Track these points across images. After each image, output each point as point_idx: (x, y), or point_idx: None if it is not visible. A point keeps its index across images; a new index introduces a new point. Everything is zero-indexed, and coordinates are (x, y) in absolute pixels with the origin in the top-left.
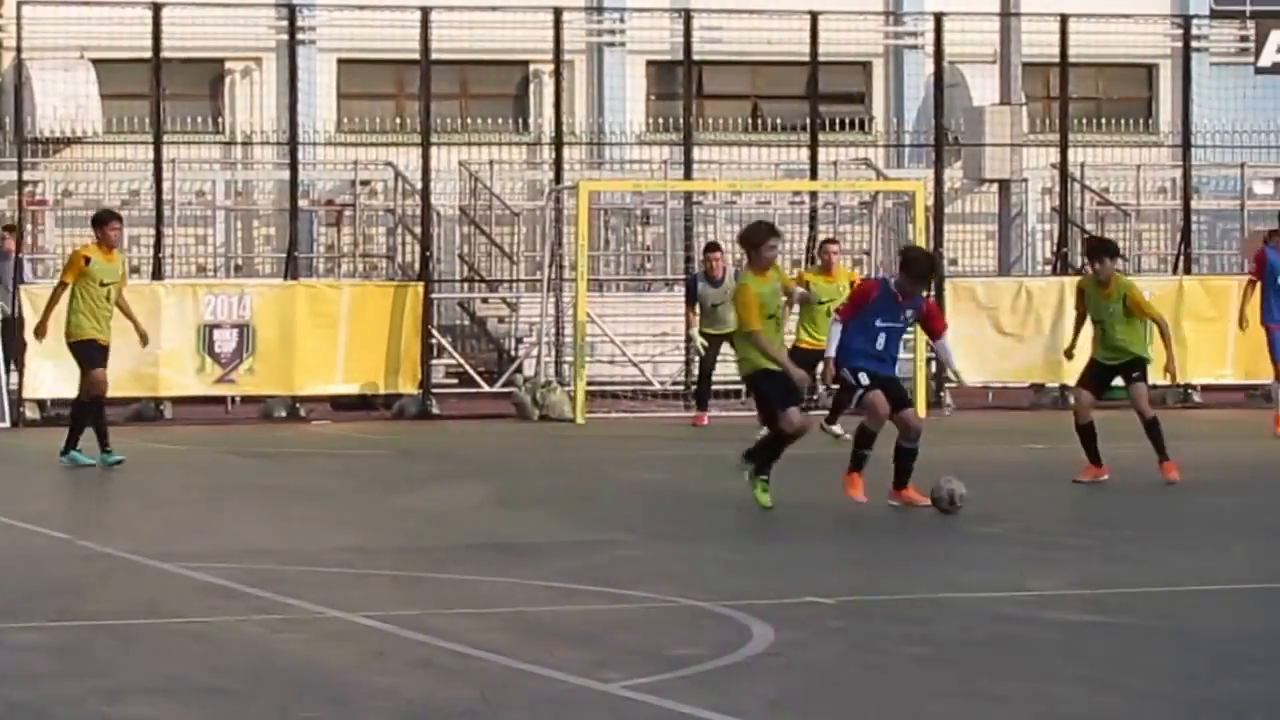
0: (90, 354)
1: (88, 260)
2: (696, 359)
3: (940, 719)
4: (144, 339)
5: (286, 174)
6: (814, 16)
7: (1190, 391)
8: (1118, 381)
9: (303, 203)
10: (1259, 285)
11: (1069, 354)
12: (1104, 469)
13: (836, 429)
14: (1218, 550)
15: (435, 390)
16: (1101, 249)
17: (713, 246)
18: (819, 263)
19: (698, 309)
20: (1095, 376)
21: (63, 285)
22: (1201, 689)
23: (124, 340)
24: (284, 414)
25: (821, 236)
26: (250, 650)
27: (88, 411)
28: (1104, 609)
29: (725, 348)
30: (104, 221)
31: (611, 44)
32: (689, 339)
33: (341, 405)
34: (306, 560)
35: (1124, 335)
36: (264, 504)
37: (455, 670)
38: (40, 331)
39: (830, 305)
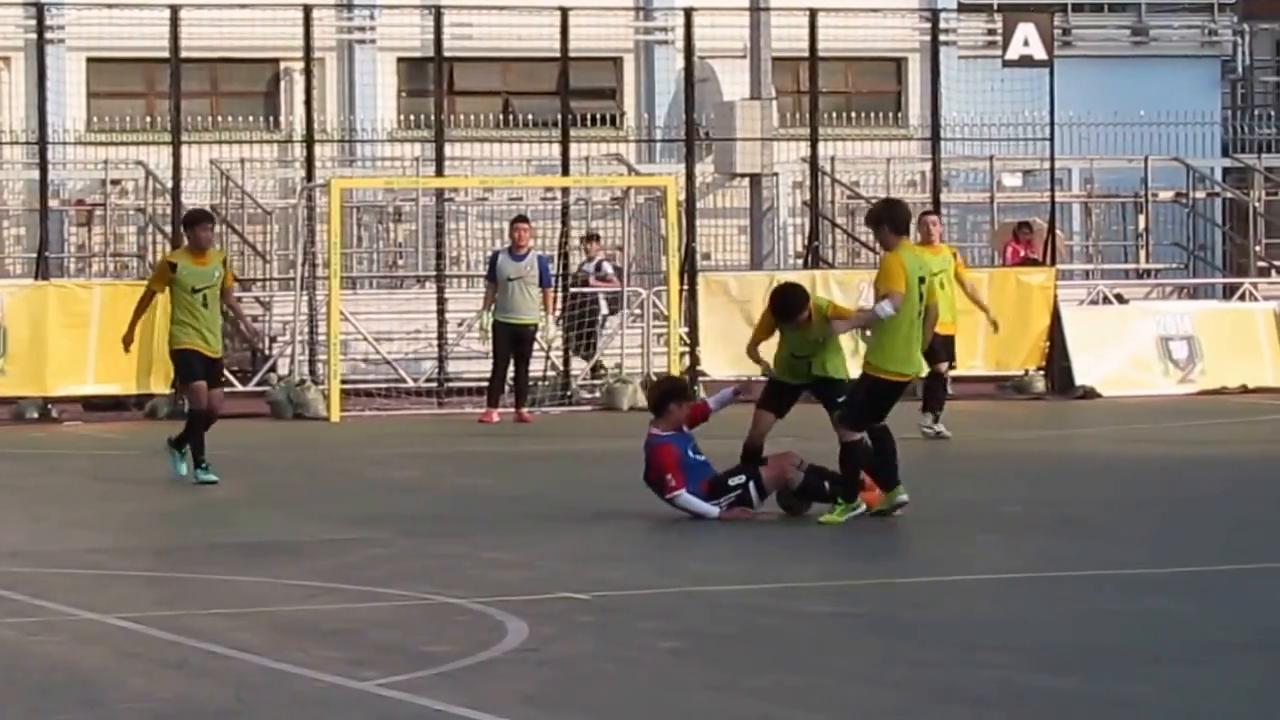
0: (186, 365)
1: (173, 266)
2: (490, 351)
3: (693, 712)
4: (253, 339)
5: (36, 174)
6: (564, 12)
7: None
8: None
9: (53, 202)
10: None
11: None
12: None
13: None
14: (965, 541)
15: None
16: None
17: (520, 219)
18: (919, 236)
19: (493, 287)
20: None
21: (148, 293)
22: (947, 677)
23: None
24: (36, 415)
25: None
26: (2, 653)
27: (199, 422)
28: (853, 600)
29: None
30: (195, 222)
31: (362, 41)
32: (480, 317)
33: (94, 406)
34: (59, 562)
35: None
36: (15, 506)
37: (210, 670)
38: (126, 341)
39: (942, 276)
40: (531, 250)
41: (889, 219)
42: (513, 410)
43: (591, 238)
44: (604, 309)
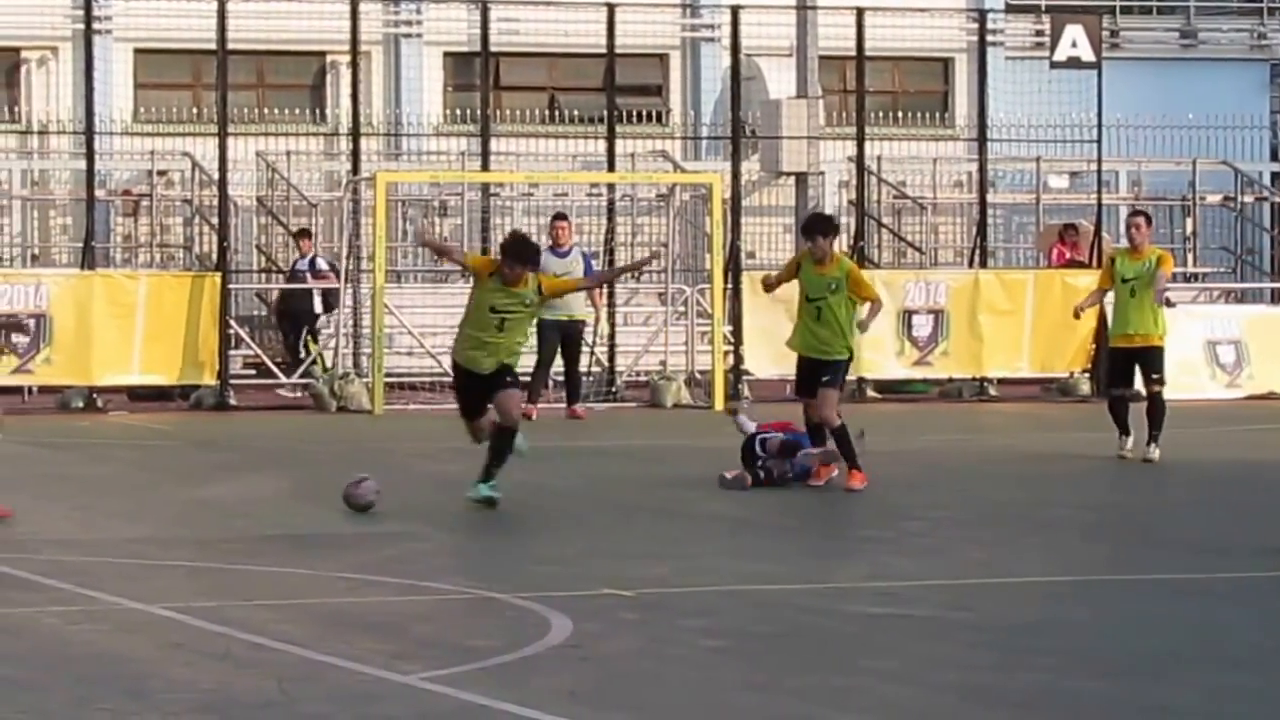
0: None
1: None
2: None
3: (735, 711)
4: None
5: (83, 164)
6: (611, 9)
7: (986, 385)
8: (906, 375)
9: (99, 193)
10: None
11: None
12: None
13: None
14: (1010, 543)
15: (233, 381)
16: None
17: (560, 216)
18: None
19: None
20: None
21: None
22: (990, 680)
23: None
24: (81, 404)
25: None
26: (48, 642)
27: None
28: (898, 601)
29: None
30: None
31: (408, 35)
32: None
33: (139, 396)
34: (104, 551)
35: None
36: (61, 495)
37: (253, 661)
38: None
39: (1134, 284)
40: (575, 246)
41: None
42: (562, 406)
43: (302, 234)
44: (318, 307)
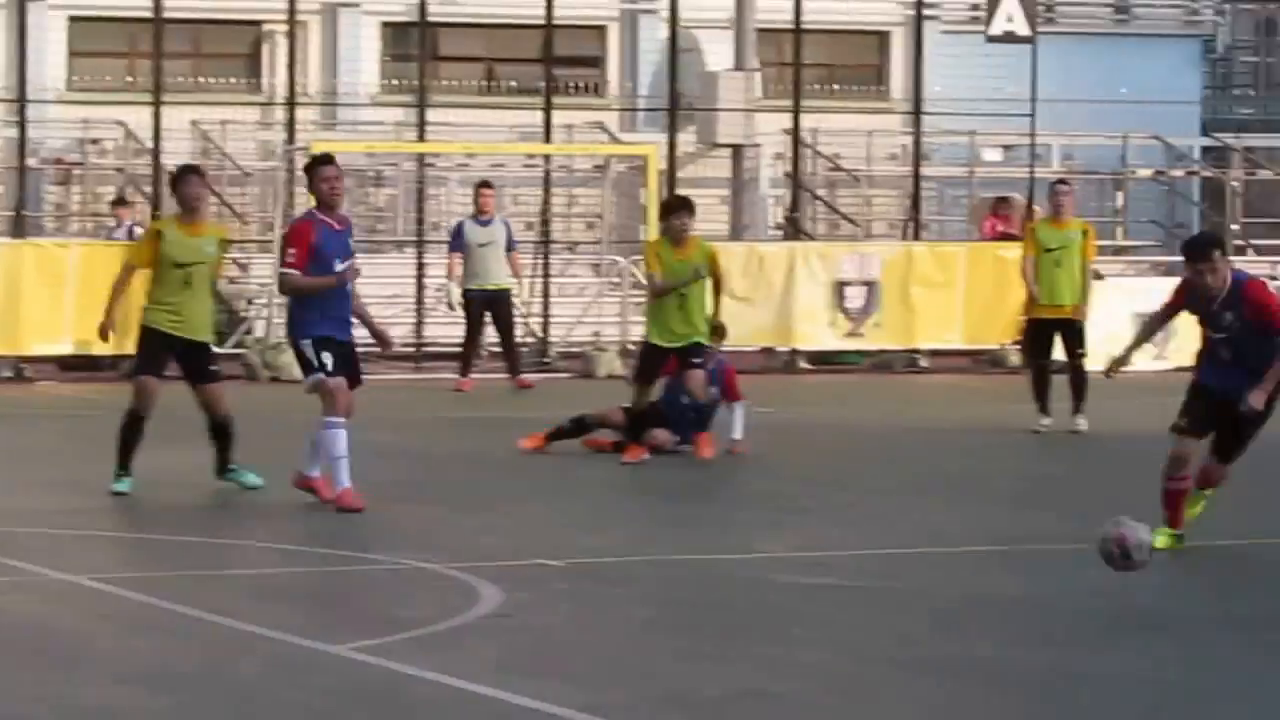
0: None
1: (160, 234)
2: (464, 319)
3: (666, 680)
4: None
5: (15, 132)
6: None
7: (918, 356)
8: (839, 346)
9: (31, 161)
10: None
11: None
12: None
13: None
14: (943, 513)
15: None
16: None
17: (485, 184)
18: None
19: (461, 257)
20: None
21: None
22: (923, 649)
23: None
24: (9, 374)
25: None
26: None
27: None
28: (831, 571)
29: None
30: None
31: (345, 5)
32: (449, 291)
33: (69, 366)
34: (31, 521)
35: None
36: None
37: (183, 632)
38: (103, 332)
39: (1059, 253)
40: (497, 216)
41: None
42: (502, 378)
43: (119, 202)
44: None
